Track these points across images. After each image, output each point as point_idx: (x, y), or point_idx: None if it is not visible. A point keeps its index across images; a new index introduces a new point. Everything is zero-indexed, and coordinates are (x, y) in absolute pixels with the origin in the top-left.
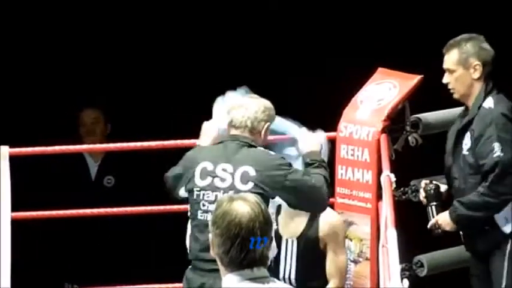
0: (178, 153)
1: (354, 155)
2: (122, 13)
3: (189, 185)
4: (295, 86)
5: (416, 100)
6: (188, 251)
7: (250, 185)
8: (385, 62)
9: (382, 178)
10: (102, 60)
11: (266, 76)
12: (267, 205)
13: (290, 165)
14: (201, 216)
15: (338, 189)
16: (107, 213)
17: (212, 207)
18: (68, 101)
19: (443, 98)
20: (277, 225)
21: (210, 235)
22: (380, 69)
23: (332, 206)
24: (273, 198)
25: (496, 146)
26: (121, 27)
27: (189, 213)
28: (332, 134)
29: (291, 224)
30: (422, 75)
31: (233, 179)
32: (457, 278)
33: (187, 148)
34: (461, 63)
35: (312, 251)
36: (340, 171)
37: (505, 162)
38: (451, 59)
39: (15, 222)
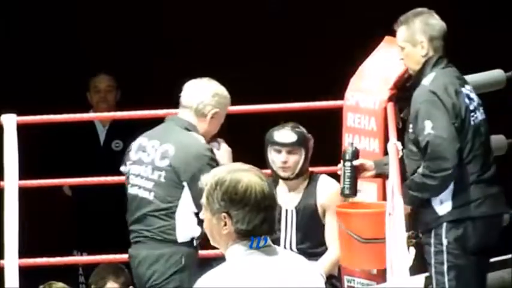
0: None
1: (360, 124)
2: None
3: (126, 158)
4: (302, 55)
5: None
6: None
7: (166, 162)
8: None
9: (389, 146)
10: (105, 27)
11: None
12: (182, 190)
13: (215, 160)
14: (130, 189)
15: None
16: (114, 182)
17: (137, 180)
18: (74, 68)
19: None
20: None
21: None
22: (387, 37)
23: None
24: (184, 182)
25: (427, 123)
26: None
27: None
28: (339, 102)
29: (288, 195)
30: None
31: (155, 154)
32: None
33: None
34: (409, 41)
35: (311, 220)
36: (347, 140)
37: (435, 139)
38: (400, 36)
39: (23, 190)
